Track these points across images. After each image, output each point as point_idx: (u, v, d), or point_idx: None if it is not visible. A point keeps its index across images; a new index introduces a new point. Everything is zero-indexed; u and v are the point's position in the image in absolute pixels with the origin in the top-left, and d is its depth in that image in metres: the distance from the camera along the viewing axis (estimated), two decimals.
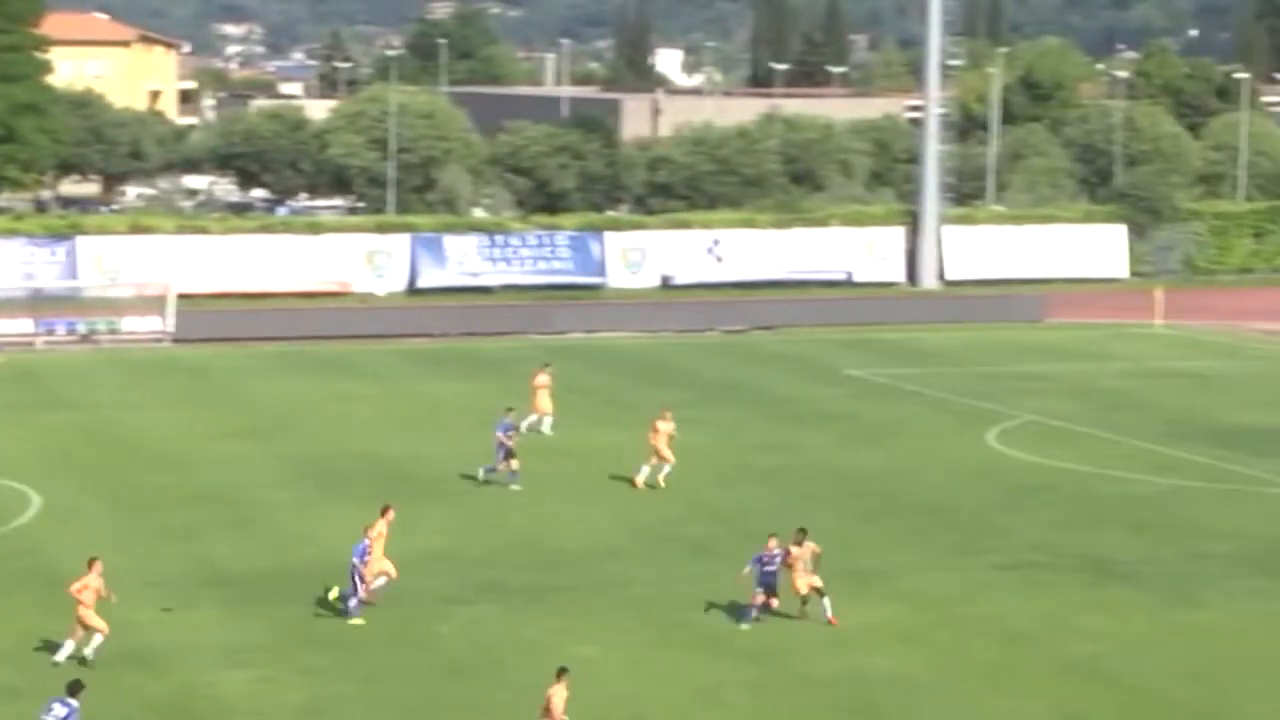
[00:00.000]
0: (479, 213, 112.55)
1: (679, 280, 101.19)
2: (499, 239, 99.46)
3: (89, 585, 37.19)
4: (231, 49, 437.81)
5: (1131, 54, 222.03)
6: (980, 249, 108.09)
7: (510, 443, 53.05)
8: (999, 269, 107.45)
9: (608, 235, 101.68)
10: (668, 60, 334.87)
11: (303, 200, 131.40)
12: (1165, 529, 49.23)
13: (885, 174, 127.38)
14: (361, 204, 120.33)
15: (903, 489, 54.08)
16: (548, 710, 31.31)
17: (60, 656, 36.61)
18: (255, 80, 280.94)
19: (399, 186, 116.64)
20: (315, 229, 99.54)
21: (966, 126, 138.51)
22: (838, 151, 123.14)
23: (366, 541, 40.10)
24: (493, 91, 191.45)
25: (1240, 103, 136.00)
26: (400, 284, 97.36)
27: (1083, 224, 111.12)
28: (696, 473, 54.58)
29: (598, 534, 48.06)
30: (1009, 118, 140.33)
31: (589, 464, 56.78)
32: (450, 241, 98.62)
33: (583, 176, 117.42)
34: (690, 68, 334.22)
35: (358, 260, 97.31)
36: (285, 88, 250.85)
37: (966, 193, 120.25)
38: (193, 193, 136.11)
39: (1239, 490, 53.53)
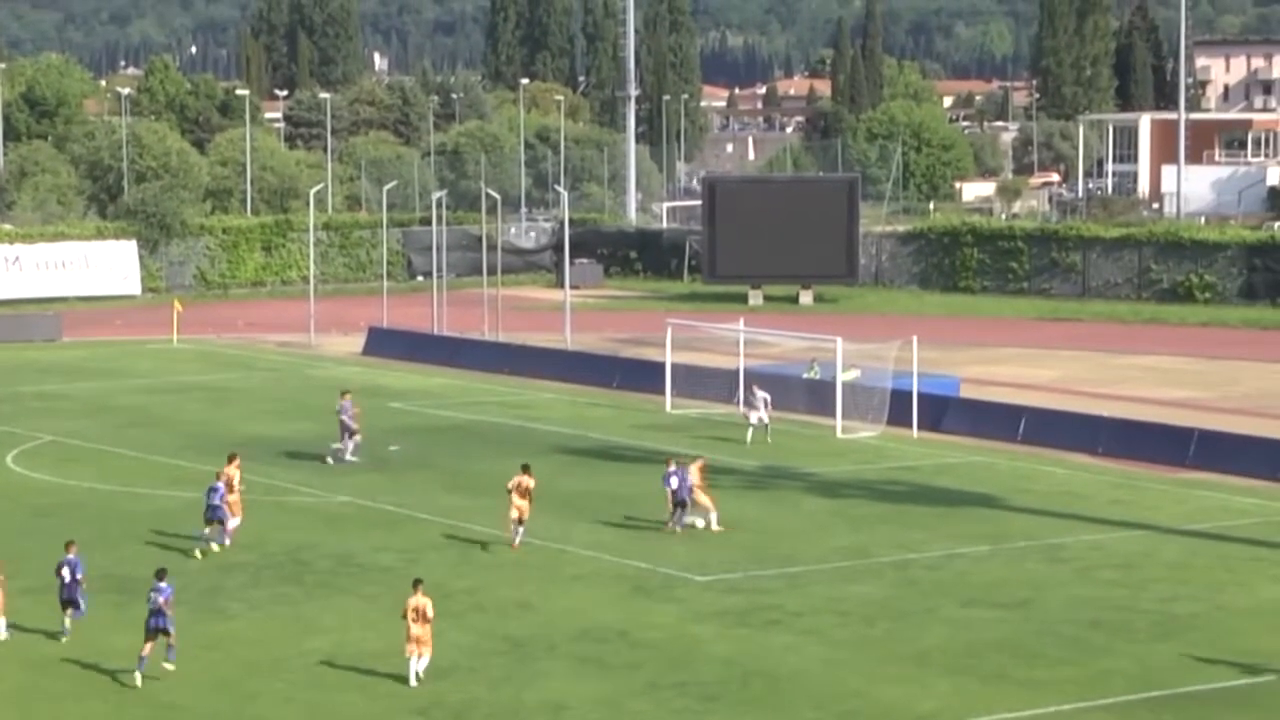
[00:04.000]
0: None
1: None
2: None
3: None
4: None
5: (134, 70, 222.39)
6: None
7: None
8: (11, 289, 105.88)
9: None
10: None
11: None
12: (185, 540, 49.85)
13: None
14: None
15: None
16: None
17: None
18: None
19: None
20: None
21: None
22: None
23: None
24: None
25: (244, 118, 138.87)
26: None
27: (95, 241, 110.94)
28: None
29: None
30: (13, 135, 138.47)
31: None
32: None
33: None
34: None
35: None
36: None
37: None
38: None
39: (259, 500, 54.59)
